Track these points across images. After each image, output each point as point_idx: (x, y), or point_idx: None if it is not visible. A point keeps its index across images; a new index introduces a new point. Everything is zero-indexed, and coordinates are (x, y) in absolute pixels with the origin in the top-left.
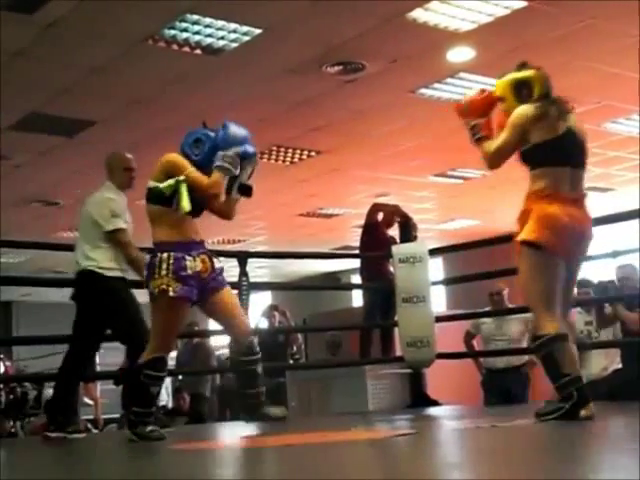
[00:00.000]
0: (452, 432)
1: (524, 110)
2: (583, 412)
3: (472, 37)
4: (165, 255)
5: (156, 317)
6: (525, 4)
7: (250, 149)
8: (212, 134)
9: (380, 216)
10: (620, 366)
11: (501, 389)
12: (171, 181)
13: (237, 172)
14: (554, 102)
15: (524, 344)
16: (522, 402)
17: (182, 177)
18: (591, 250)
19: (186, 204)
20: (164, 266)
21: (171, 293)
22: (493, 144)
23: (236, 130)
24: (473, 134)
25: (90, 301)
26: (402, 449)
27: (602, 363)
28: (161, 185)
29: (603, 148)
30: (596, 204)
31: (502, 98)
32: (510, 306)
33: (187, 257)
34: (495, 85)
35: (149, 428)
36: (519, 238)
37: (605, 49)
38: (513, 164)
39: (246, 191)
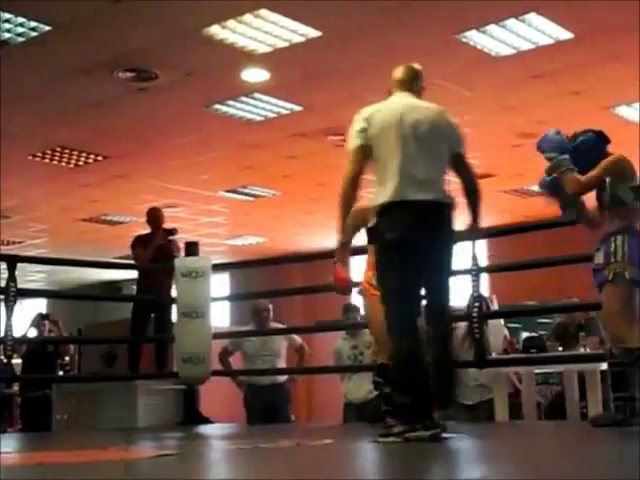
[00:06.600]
0: (214, 453)
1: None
2: None
3: (267, 60)
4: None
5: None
6: (319, 34)
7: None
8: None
9: None
10: None
11: (265, 406)
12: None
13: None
14: None
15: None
16: (285, 418)
17: None
18: None
19: None
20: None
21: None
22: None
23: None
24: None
25: None
26: (151, 471)
27: (368, 386)
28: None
29: None
30: None
31: None
32: (274, 324)
33: None
34: None
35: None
36: None
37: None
38: (306, 186)
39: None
